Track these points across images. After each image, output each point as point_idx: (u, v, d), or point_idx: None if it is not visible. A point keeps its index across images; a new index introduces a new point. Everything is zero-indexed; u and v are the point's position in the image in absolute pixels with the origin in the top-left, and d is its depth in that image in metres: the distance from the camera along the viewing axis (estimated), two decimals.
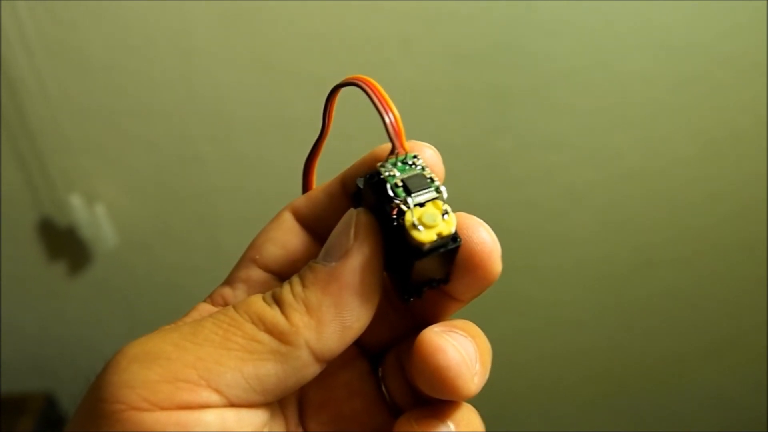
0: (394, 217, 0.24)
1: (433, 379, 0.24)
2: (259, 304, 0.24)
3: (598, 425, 1.16)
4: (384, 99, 0.25)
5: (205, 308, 0.29)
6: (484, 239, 0.25)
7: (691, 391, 1.12)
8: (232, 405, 0.23)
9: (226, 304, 0.28)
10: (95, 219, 0.88)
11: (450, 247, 0.24)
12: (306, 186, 0.31)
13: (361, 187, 0.26)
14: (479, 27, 0.78)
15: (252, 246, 0.29)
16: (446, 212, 0.24)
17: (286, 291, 0.24)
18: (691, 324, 1.05)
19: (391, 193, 0.24)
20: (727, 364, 1.09)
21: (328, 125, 0.29)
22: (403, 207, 0.24)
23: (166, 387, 0.22)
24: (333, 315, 0.24)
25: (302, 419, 0.29)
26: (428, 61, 0.80)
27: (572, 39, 0.80)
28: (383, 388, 0.29)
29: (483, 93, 0.83)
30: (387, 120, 0.25)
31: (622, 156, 0.89)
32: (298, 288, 0.24)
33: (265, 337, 0.24)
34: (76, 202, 0.87)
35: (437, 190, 0.24)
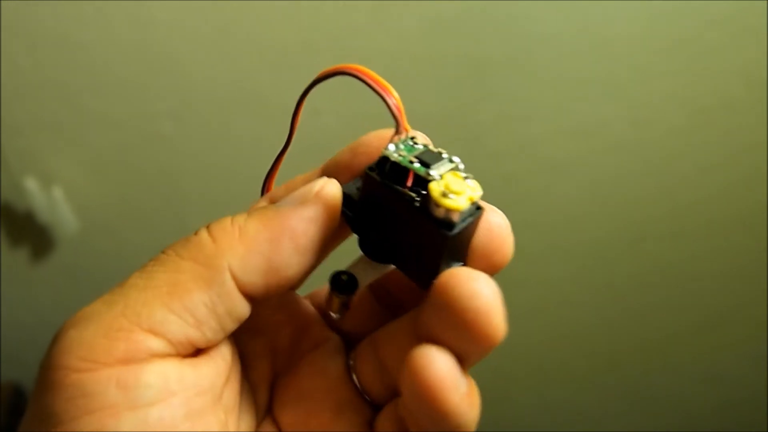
0: (416, 197, 0.23)
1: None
2: (187, 239, 0.24)
3: (591, 403, 1.16)
4: (382, 83, 0.25)
5: None
6: (499, 219, 0.25)
7: (685, 367, 1.13)
8: (176, 351, 0.23)
9: None
10: (53, 203, 0.85)
11: (476, 215, 0.24)
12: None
13: (372, 177, 0.25)
14: None
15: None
16: (467, 177, 0.24)
17: (226, 218, 0.25)
18: (684, 300, 1.05)
19: (417, 166, 0.24)
20: (721, 340, 1.09)
21: (294, 131, 0.29)
22: (430, 178, 0.23)
23: (102, 341, 0.22)
24: (263, 248, 0.24)
25: (272, 403, 0.29)
26: (400, 27, 0.77)
27: (551, 4, 0.77)
28: (353, 376, 0.29)
29: (459, 61, 0.80)
30: (390, 102, 0.25)
31: (608, 126, 0.87)
32: (240, 217, 0.24)
33: (186, 265, 0.23)
34: (31, 185, 0.84)
35: (451, 160, 0.25)
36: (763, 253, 0.99)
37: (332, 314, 0.27)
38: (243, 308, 0.24)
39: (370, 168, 0.25)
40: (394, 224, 0.25)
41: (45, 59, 0.78)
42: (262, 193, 0.30)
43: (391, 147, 0.25)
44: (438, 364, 0.22)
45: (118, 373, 0.22)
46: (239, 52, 0.78)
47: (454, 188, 0.23)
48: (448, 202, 0.23)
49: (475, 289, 0.22)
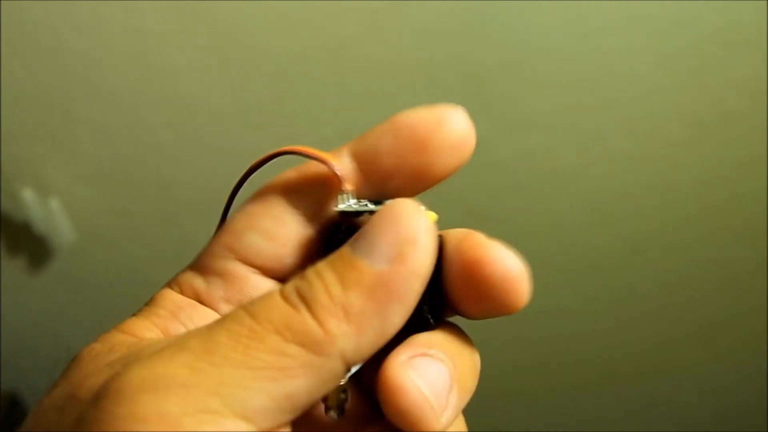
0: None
1: (395, 419, 0.22)
2: (281, 309, 0.21)
3: (588, 413, 1.15)
4: (322, 156, 0.25)
5: (174, 298, 0.26)
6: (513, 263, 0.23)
7: (682, 378, 1.12)
8: (261, 430, 0.20)
9: (197, 297, 0.26)
10: (50, 213, 0.86)
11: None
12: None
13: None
14: (451, 2, 0.76)
15: (228, 229, 0.26)
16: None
17: (318, 290, 0.21)
18: (681, 311, 1.04)
19: (371, 207, 0.24)
20: (718, 351, 1.09)
21: (228, 214, 0.27)
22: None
23: (188, 420, 0.19)
24: (373, 324, 0.21)
25: None
26: (395, 38, 0.77)
27: (550, 13, 0.77)
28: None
29: (455, 72, 0.79)
30: (336, 168, 0.25)
31: (606, 138, 0.86)
32: (335, 288, 0.21)
33: (294, 350, 0.20)
34: (28, 196, 0.84)
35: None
36: (760, 265, 0.99)
37: (331, 413, 0.25)
38: (340, 381, 0.22)
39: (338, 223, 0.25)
40: None
41: (42, 69, 0.78)
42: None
43: (341, 205, 0.25)
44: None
45: None
46: (235, 61, 0.78)
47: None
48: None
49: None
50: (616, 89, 0.83)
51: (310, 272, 0.22)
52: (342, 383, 0.24)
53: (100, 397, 0.20)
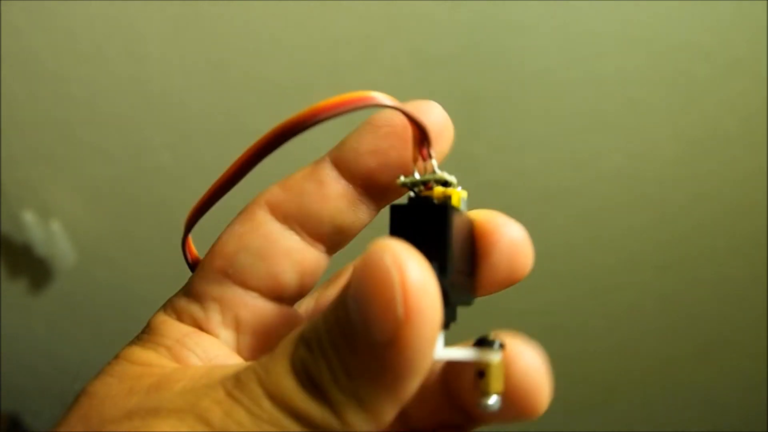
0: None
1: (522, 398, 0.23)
2: (297, 395, 0.19)
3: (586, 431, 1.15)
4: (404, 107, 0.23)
5: (176, 326, 0.25)
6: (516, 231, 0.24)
7: (680, 395, 1.11)
8: None
9: (196, 324, 0.24)
10: (51, 236, 0.85)
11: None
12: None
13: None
14: (447, 26, 0.75)
15: (218, 253, 0.25)
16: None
17: (326, 379, 0.19)
18: (676, 328, 1.03)
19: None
20: (716, 367, 1.08)
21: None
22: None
23: None
24: (390, 405, 0.19)
25: None
26: (393, 63, 0.77)
27: (545, 37, 0.77)
28: None
29: (452, 95, 0.80)
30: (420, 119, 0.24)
31: (601, 158, 0.87)
32: (342, 378, 0.19)
33: None
34: (29, 218, 0.84)
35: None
36: (755, 281, 0.99)
37: (488, 403, 0.22)
38: None
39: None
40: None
41: (42, 93, 0.78)
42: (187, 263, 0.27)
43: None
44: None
45: None
46: (234, 85, 0.78)
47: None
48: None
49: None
50: (610, 110, 0.84)
51: (314, 343, 0.20)
52: None
53: None
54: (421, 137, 0.24)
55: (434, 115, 0.24)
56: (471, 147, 0.84)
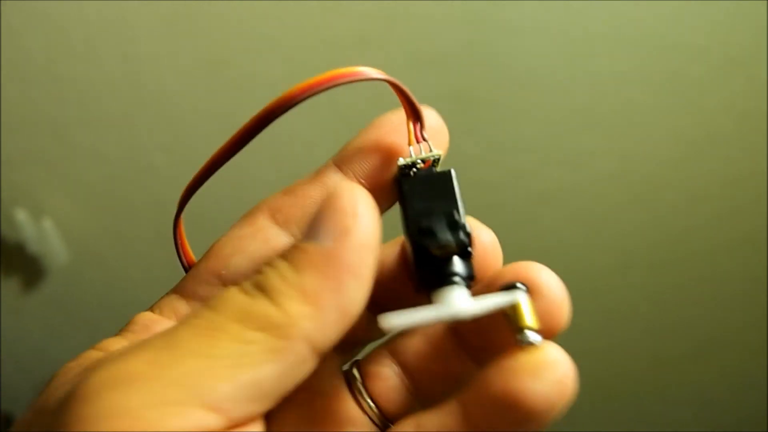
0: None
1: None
2: (239, 297, 0.21)
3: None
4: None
5: (152, 319, 0.25)
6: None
7: (675, 394, 1.12)
8: (232, 425, 0.20)
9: (178, 319, 0.25)
10: (44, 235, 0.85)
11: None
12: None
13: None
14: (440, 26, 0.76)
15: (214, 254, 0.26)
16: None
17: (272, 276, 0.21)
18: (670, 329, 1.04)
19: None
20: (710, 367, 1.09)
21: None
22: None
23: (152, 413, 0.19)
24: (333, 301, 0.21)
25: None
26: (387, 63, 0.77)
27: (540, 37, 0.77)
28: (362, 391, 0.25)
29: (446, 95, 0.80)
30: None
31: (595, 158, 0.86)
32: (288, 272, 0.21)
33: (257, 336, 0.20)
34: (22, 217, 0.84)
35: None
36: (752, 282, 0.99)
37: (533, 331, 0.23)
38: (311, 368, 0.21)
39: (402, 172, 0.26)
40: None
41: (36, 95, 0.78)
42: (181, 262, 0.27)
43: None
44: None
45: None
46: (228, 85, 0.78)
47: None
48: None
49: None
50: (605, 110, 0.84)
51: (265, 265, 0.22)
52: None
53: (65, 402, 0.20)
54: (411, 114, 0.26)
55: (430, 120, 0.26)
56: (464, 147, 0.84)
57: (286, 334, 0.20)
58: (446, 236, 0.24)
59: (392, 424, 0.25)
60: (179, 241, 0.27)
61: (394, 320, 0.22)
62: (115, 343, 0.24)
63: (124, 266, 0.92)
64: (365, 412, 0.25)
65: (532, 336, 0.23)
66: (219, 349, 0.20)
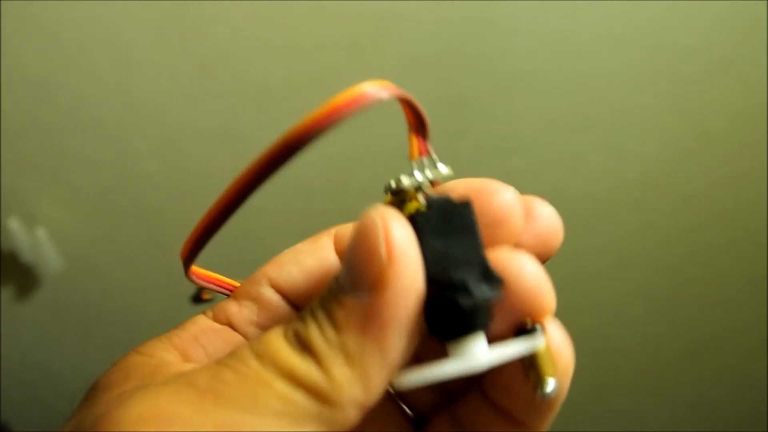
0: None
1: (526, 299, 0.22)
2: (285, 353, 0.20)
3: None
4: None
5: (202, 322, 0.25)
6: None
7: (674, 394, 1.12)
8: None
9: (229, 322, 0.25)
10: (37, 243, 0.85)
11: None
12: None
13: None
14: (431, 28, 0.76)
15: (274, 261, 0.26)
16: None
17: (314, 334, 0.20)
18: (665, 327, 1.04)
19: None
20: (709, 367, 1.09)
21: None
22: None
23: None
24: (378, 361, 0.20)
25: None
26: (378, 66, 0.77)
27: (532, 39, 0.77)
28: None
29: (437, 97, 0.80)
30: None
31: (589, 160, 0.87)
32: (329, 332, 0.20)
33: (301, 398, 0.19)
34: (15, 225, 0.84)
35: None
36: (748, 281, 1.00)
37: (547, 391, 0.22)
38: (355, 423, 0.20)
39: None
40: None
41: (28, 100, 0.77)
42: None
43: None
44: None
45: None
46: (220, 90, 0.78)
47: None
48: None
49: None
50: (596, 111, 0.84)
51: (306, 313, 0.21)
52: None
53: (98, 423, 0.19)
54: (418, 126, 0.24)
55: (543, 217, 0.25)
56: (456, 149, 0.84)
57: (332, 400, 0.20)
58: (482, 291, 0.21)
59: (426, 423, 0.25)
60: (210, 282, 0.27)
61: (412, 378, 0.21)
62: (158, 346, 0.24)
63: (118, 273, 0.91)
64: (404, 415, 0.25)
65: (553, 388, 0.22)
66: (262, 405, 0.19)
